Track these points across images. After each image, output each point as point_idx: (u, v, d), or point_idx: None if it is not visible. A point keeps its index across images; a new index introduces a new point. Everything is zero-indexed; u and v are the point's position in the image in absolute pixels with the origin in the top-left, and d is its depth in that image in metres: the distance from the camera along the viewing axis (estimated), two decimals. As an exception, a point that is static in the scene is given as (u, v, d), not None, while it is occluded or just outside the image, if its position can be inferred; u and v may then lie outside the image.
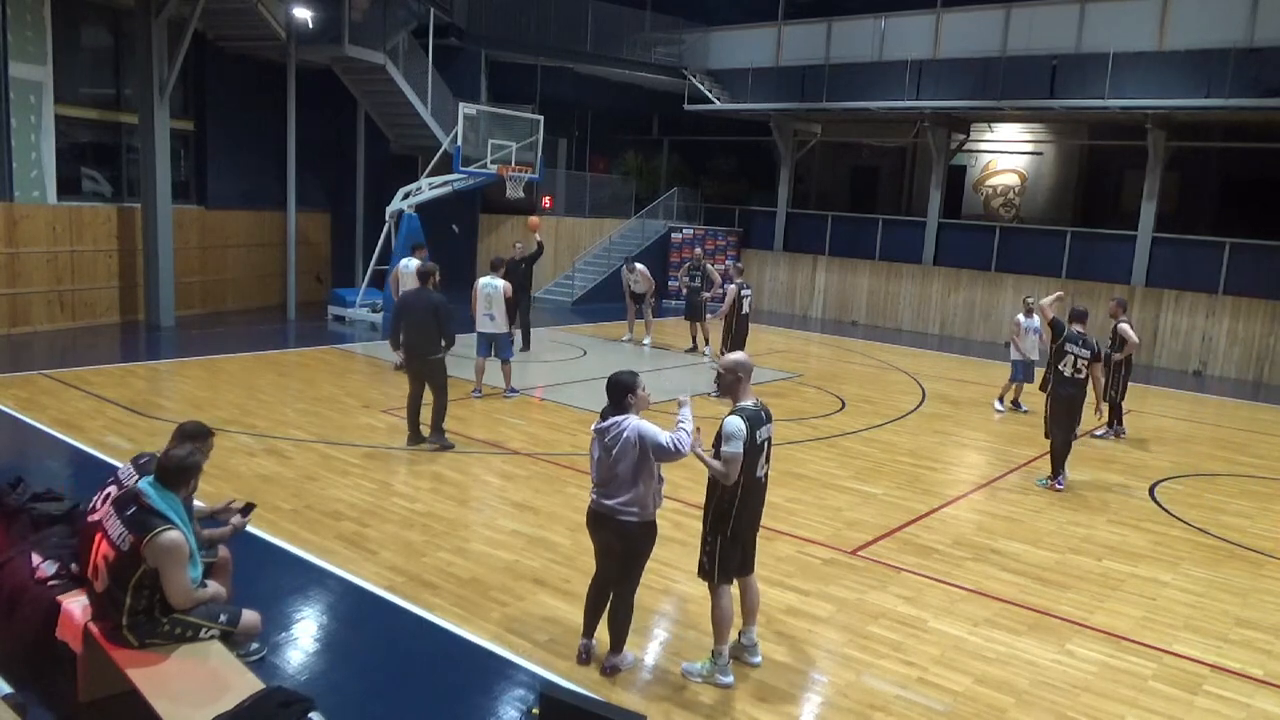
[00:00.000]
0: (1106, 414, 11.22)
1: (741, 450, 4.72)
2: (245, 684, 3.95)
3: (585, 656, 5.09)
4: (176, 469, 4.26)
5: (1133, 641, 5.80)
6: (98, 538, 4.22)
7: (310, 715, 3.78)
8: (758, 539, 5.22)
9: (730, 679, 4.97)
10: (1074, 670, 5.38)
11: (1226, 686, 5.31)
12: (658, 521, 4.99)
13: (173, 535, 4.09)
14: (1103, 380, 9.72)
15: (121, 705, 4.21)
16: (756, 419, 4.85)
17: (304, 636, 5.32)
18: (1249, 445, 11.73)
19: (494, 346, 11.29)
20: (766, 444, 4.96)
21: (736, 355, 5.12)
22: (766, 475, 5.07)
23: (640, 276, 15.97)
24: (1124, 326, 10.98)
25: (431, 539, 6.79)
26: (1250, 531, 8.16)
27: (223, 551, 4.94)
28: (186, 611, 4.24)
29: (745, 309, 12.28)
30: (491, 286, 11.07)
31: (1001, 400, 12.70)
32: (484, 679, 4.97)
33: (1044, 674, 5.31)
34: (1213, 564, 7.29)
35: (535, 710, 4.33)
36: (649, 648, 5.40)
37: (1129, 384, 11.40)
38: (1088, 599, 6.42)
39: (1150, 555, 7.39)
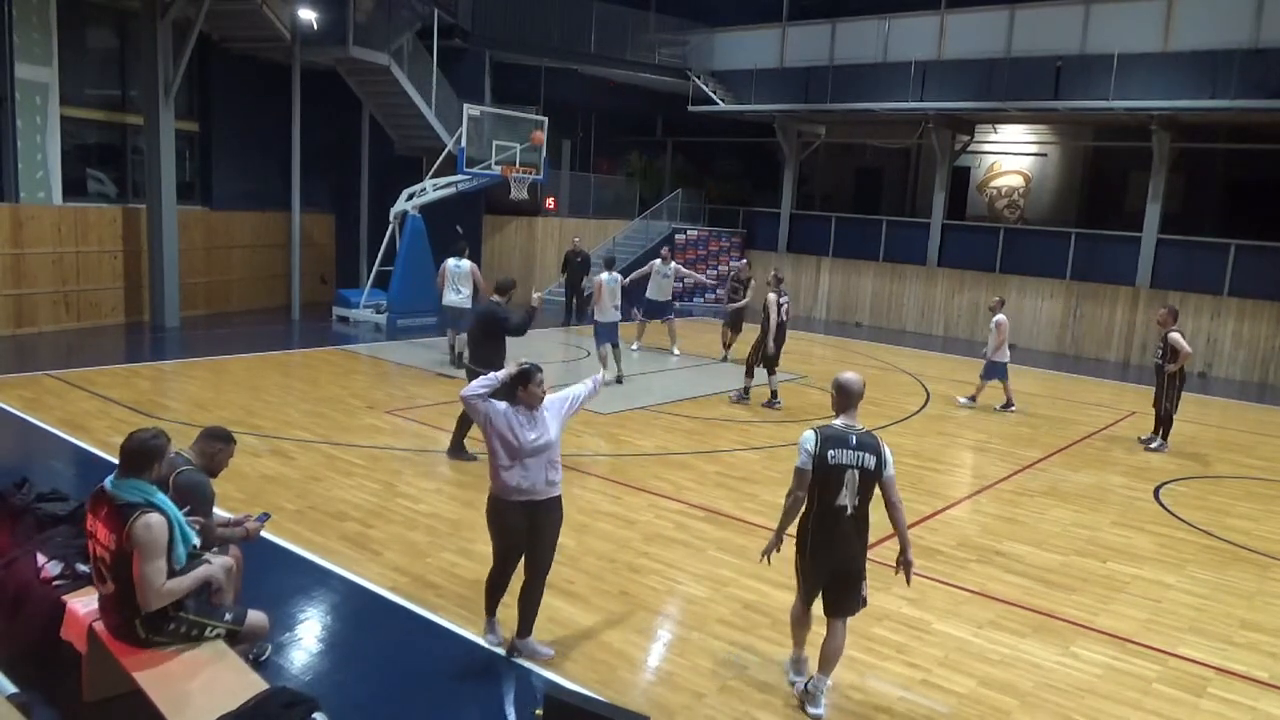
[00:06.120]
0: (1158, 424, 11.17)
1: (807, 465, 4.59)
2: (249, 684, 3.96)
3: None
4: (138, 450, 4.12)
5: (1137, 644, 5.79)
6: (93, 545, 4.22)
7: (314, 716, 3.79)
8: (860, 583, 4.77)
9: (820, 711, 4.66)
10: (1078, 673, 5.37)
11: (1232, 689, 5.30)
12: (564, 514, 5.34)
13: (149, 517, 3.98)
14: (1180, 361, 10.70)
15: (126, 705, 4.21)
16: (835, 439, 4.61)
17: (308, 637, 5.33)
18: (1254, 447, 11.71)
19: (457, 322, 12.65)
20: (848, 471, 4.57)
21: (842, 375, 4.90)
22: (856, 509, 4.63)
23: (674, 273, 15.62)
24: (1175, 335, 10.64)
25: (435, 540, 6.80)
26: (1256, 534, 8.14)
27: (234, 551, 4.95)
28: (189, 609, 4.22)
29: (783, 316, 12.17)
30: (456, 267, 12.84)
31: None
32: (488, 680, 4.97)
33: (1048, 676, 5.30)
34: (1218, 566, 7.27)
35: (539, 711, 4.33)
36: (651, 648, 5.40)
37: (1183, 393, 11.00)
38: (1092, 601, 6.41)
39: (1155, 557, 7.37)
